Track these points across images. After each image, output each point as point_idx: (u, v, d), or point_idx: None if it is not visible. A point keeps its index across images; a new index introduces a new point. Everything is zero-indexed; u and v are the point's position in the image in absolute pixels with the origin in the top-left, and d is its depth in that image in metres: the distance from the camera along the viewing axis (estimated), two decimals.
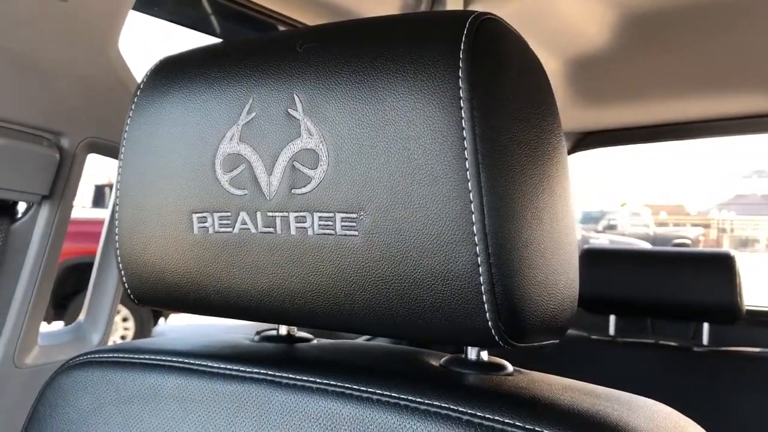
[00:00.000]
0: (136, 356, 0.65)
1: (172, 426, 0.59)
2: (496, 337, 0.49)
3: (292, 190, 0.54)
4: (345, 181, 0.52)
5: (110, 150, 1.04)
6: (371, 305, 0.52)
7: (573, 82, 1.80)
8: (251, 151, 0.56)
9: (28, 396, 0.99)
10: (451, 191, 0.48)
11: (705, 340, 1.85)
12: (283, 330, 0.68)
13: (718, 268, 1.77)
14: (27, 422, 0.68)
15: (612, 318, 1.97)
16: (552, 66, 1.70)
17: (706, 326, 1.86)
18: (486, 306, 0.48)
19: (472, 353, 0.57)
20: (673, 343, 1.85)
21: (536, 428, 0.47)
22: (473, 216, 0.47)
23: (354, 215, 0.52)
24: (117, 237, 0.64)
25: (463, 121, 0.47)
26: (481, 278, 0.47)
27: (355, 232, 0.52)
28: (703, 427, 0.53)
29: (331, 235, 0.53)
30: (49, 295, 1.03)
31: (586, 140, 2.29)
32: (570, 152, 2.32)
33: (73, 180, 1.00)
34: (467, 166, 0.47)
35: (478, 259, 0.47)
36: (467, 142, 0.47)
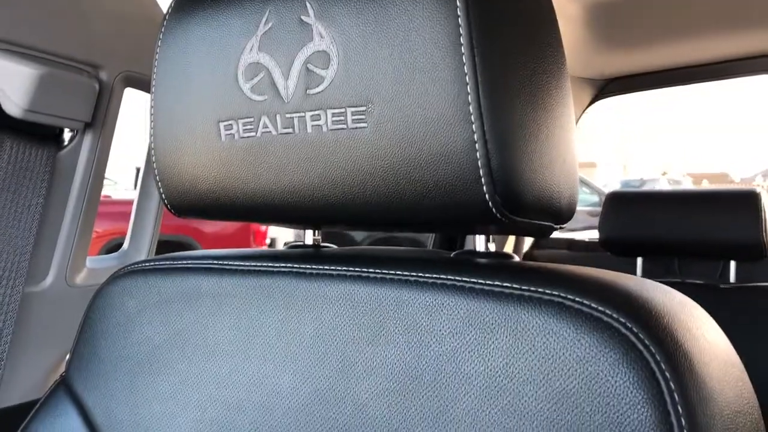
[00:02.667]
0: (175, 262, 0.71)
1: (209, 320, 0.65)
2: (494, 210, 0.52)
3: (307, 91, 0.58)
4: (354, 77, 0.56)
5: (145, 84, 1.12)
6: (381, 191, 0.57)
7: (594, 26, 1.79)
8: (269, 58, 0.60)
9: (80, 313, 1.07)
10: (448, 76, 0.51)
11: (732, 277, 1.85)
12: (309, 240, 0.74)
13: (744, 206, 1.76)
14: (79, 329, 0.75)
15: (639, 260, 1.98)
16: (572, 11, 1.70)
17: (732, 264, 1.85)
18: (483, 180, 0.51)
19: (479, 244, 0.61)
20: (699, 281, 1.86)
21: (547, 291, 0.50)
22: (469, 97, 0.51)
23: (363, 108, 0.55)
24: (154, 156, 0.70)
25: (458, 9, 0.51)
26: (478, 153, 0.51)
27: (365, 124, 0.55)
28: None
29: (343, 129, 0.57)
30: (94, 221, 1.12)
31: (610, 86, 2.28)
32: (594, 100, 2.32)
33: (112, 111, 1.08)
34: (463, 50, 0.51)
35: (475, 136, 0.51)
36: (462, 29, 0.51)
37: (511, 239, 2.44)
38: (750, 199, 1.77)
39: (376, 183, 0.56)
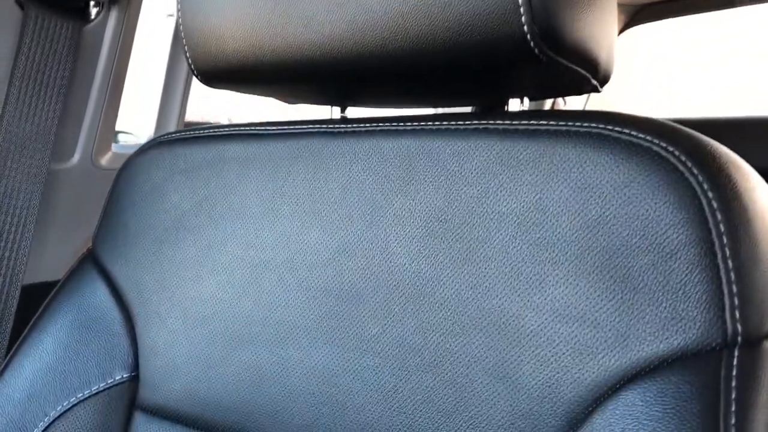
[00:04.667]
0: (202, 131, 0.70)
1: (235, 184, 0.65)
2: (532, 44, 0.50)
3: None
4: None
5: None
6: (413, 33, 0.54)
7: None
8: None
9: (105, 194, 1.07)
10: None
11: None
12: (336, 114, 0.72)
13: None
14: (106, 200, 0.74)
15: None
16: None
17: None
18: (521, 9, 0.49)
19: (513, 104, 0.59)
20: None
21: (585, 124, 0.49)
22: None
23: None
24: (181, 18, 0.67)
25: None
26: None
27: None
28: None
29: None
30: (120, 102, 1.10)
31: (642, 12, 2.20)
32: (626, 27, 2.24)
33: None
34: None
35: None
36: None
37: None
38: None
39: (408, 24, 0.54)
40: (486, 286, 0.50)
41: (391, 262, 0.55)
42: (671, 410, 0.41)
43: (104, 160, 1.12)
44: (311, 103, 0.74)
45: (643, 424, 0.41)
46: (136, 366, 0.67)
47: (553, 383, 0.46)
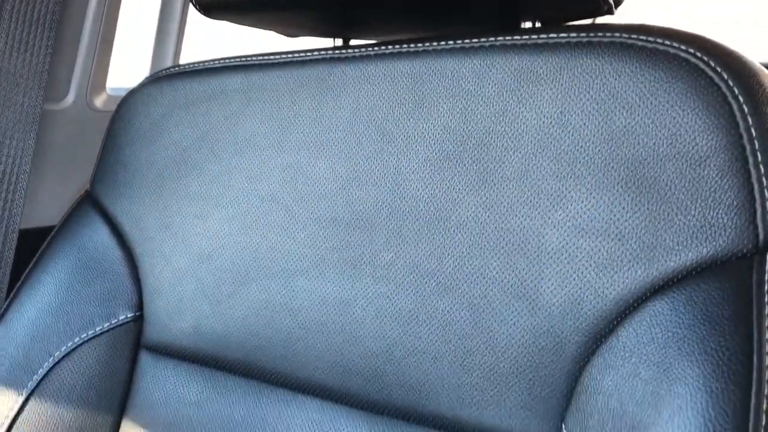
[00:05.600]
0: (201, 65, 0.67)
1: (238, 116, 0.62)
2: None
3: None
4: None
5: None
6: None
7: None
8: None
9: (101, 137, 1.04)
10: None
11: None
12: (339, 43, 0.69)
13: None
14: (104, 140, 0.72)
15: None
16: None
17: None
18: None
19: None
20: None
21: (607, 34, 0.47)
22: None
23: None
24: None
25: None
26: None
27: None
28: None
29: None
30: (113, 42, 1.07)
31: None
32: None
33: None
34: None
35: None
36: None
37: None
38: None
39: None
40: (504, 206, 0.49)
41: (403, 188, 0.53)
42: (701, 316, 0.39)
43: (99, 102, 1.09)
44: (312, 35, 0.71)
45: (673, 332, 0.40)
46: (140, 305, 0.66)
47: (575, 299, 0.45)
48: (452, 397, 0.50)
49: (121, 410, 0.64)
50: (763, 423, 0.36)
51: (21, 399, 0.62)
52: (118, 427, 0.64)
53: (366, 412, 0.53)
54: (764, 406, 0.36)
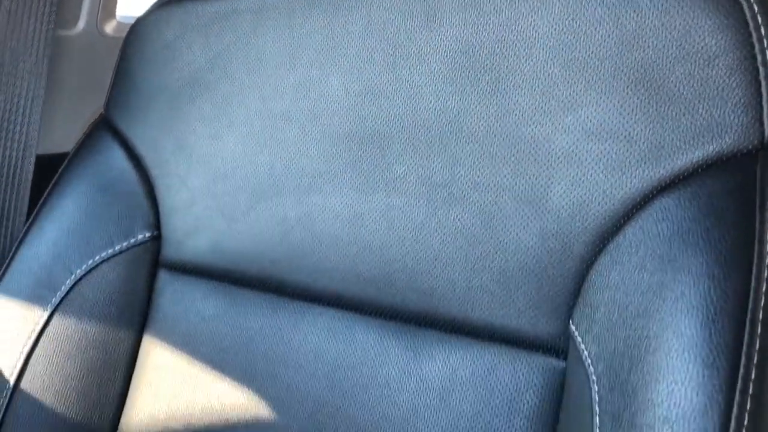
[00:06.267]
0: None
1: (250, 36, 0.62)
2: None
3: None
4: None
5: None
6: None
7: None
8: None
9: (113, 64, 1.04)
10: None
11: None
12: None
13: None
14: (116, 65, 0.72)
15: None
16: None
17: None
18: None
19: None
20: None
21: None
22: None
23: None
24: None
25: None
26: None
27: None
28: None
29: None
30: None
31: None
32: None
33: None
34: None
35: None
36: None
37: None
38: None
39: None
40: (516, 115, 0.49)
41: (416, 100, 0.54)
42: (706, 209, 0.41)
43: (109, 29, 1.09)
44: None
45: (678, 226, 0.41)
46: (157, 225, 0.68)
47: (584, 201, 0.47)
48: (463, 300, 0.51)
49: (141, 325, 0.67)
50: (762, 304, 0.38)
51: (46, 314, 0.64)
52: (140, 340, 0.67)
53: (379, 318, 0.55)
54: (763, 288, 0.38)
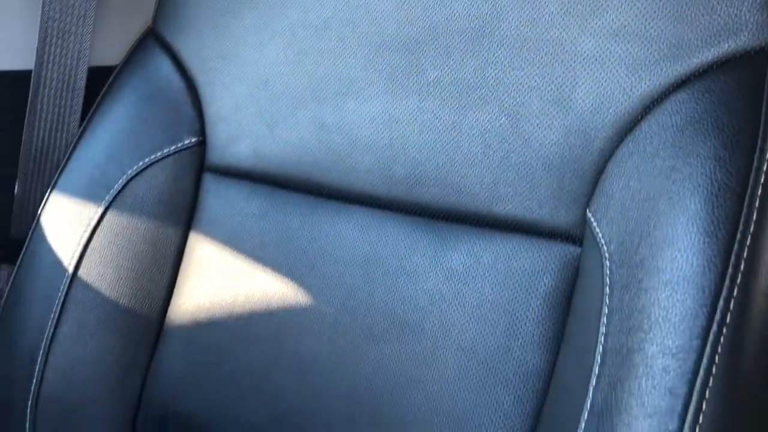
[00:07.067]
0: None
1: None
2: None
3: None
4: None
5: None
6: None
7: None
8: None
9: None
10: None
11: None
12: None
13: None
14: None
15: None
16: None
17: None
18: None
19: None
20: None
21: None
22: None
23: None
24: None
25: None
26: None
27: None
28: None
29: None
30: None
31: None
32: None
33: None
34: None
35: None
36: None
37: None
38: None
39: None
40: (545, 20, 0.52)
41: (450, 8, 0.57)
42: (718, 101, 0.44)
43: None
44: None
45: (691, 116, 0.44)
46: (202, 131, 0.71)
47: (605, 100, 0.50)
48: (488, 194, 0.55)
49: (188, 224, 0.72)
50: (762, 181, 0.41)
51: (100, 210, 0.69)
52: (186, 237, 0.71)
53: (409, 215, 0.59)
54: (764, 167, 0.42)
